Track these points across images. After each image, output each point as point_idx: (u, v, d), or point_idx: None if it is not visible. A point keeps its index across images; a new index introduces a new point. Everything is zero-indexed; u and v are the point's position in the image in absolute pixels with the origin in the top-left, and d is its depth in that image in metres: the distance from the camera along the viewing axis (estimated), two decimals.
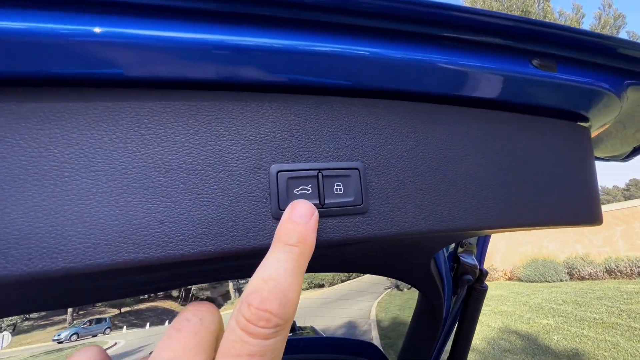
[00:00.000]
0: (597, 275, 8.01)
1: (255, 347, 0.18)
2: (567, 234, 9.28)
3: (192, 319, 0.20)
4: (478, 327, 5.25)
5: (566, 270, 8.45)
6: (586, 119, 0.38)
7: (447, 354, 0.83)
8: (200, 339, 0.19)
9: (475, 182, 0.32)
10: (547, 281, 8.39)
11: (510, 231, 0.43)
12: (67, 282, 0.44)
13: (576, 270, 8.30)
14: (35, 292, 0.46)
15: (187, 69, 0.24)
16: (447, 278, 0.77)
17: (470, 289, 0.77)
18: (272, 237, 0.24)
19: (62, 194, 0.21)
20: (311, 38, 0.25)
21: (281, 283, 0.20)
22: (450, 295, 0.78)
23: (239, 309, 0.19)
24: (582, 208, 0.37)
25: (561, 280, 8.31)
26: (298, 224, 0.23)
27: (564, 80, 0.31)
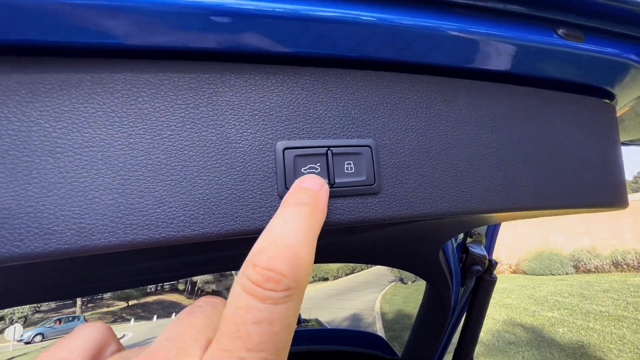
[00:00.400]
0: (604, 268, 7.95)
1: (262, 313, 0.16)
2: (574, 227, 9.20)
3: (204, 305, 0.19)
4: None
5: (572, 263, 8.39)
6: (612, 96, 0.36)
7: (455, 346, 0.83)
8: (211, 322, 0.18)
9: (494, 161, 0.30)
10: (552, 274, 8.35)
11: (529, 217, 0.41)
12: (69, 269, 0.44)
13: (582, 263, 8.24)
14: (38, 281, 0.45)
15: (184, 36, 0.22)
16: (456, 269, 0.75)
17: (479, 279, 0.76)
18: None
19: (54, 172, 0.20)
20: (315, 2, 0.23)
21: (291, 241, 0.18)
22: (458, 286, 0.77)
23: (244, 271, 0.17)
24: (607, 190, 0.35)
25: (567, 273, 8.26)
26: (308, 189, 0.21)
27: (591, 52, 0.29)
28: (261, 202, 0.24)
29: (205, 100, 0.23)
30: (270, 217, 0.24)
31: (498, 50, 0.28)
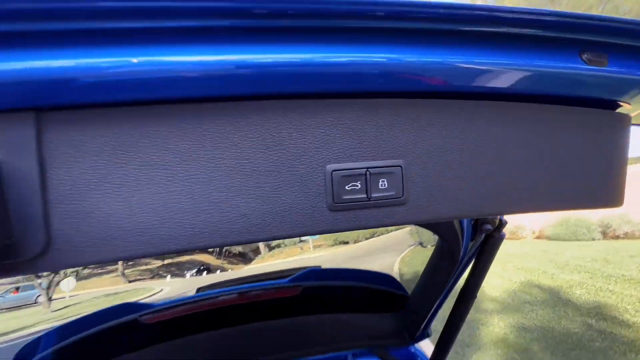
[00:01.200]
0: (634, 234, 7.67)
1: None
2: None
3: None
4: (499, 281, 5.26)
5: (600, 229, 8.14)
6: (629, 104, 0.37)
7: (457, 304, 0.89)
8: None
9: (510, 171, 0.33)
10: (578, 240, 8.17)
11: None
12: None
13: (612, 229, 7.96)
14: None
15: (255, 85, 0.27)
16: (467, 226, 0.80)
17: (487, 236, 0.80)
18: (327, 225, 0.29)
19: (174, 194, 0.27)
20: (356, 49, 0.27)
21: None
22: (467, 241, 0.82)
23: None
24: (608, 194, 0.38)
25: (593, 239, 8.05)
26: None
27: (614, 73, 0.31)
28: (315, 213, 0.30)
29: (270, 133, 0.29)
30: (321, 224, 0.30)
31: (520, 76, 0.30)
